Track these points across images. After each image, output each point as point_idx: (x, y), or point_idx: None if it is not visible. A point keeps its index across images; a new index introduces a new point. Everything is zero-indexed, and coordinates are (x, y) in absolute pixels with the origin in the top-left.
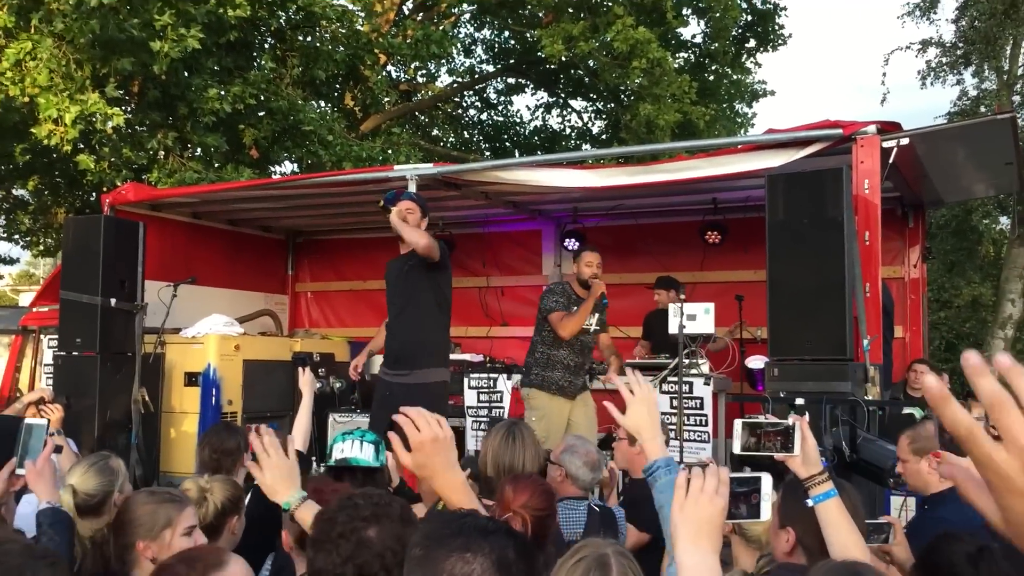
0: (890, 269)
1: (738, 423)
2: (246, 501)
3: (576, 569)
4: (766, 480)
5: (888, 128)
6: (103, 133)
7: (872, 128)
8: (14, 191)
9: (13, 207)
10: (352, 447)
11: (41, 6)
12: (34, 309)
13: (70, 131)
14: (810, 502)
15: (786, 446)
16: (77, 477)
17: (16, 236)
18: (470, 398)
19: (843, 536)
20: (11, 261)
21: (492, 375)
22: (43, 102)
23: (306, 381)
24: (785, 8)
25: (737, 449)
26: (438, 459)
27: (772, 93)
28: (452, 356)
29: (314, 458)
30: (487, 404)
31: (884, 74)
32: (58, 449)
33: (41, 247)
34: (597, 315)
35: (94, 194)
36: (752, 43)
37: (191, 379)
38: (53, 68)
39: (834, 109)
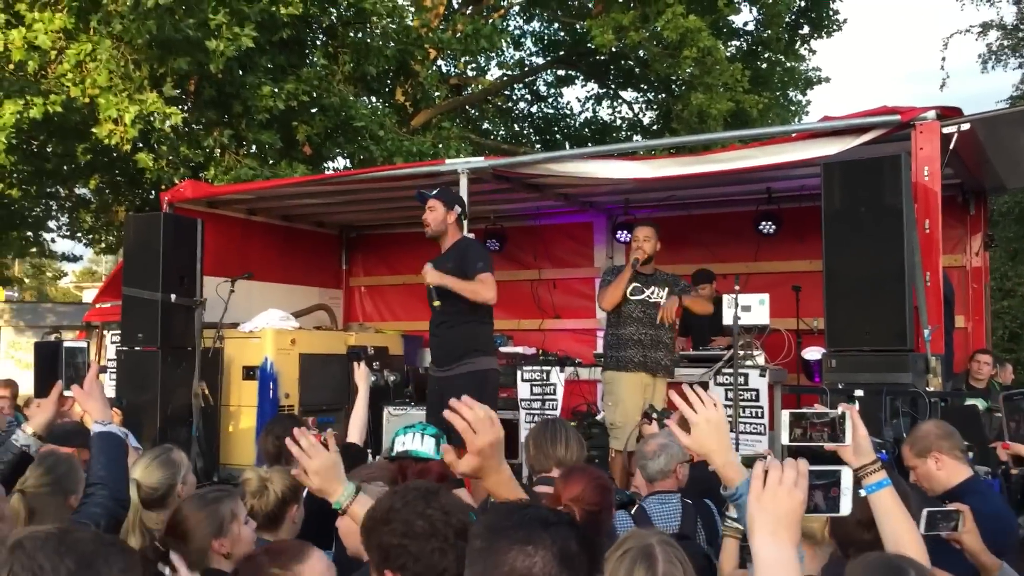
0: (951, 258)
1: (784, 414)
2: (305, 492)
3: (622, 561)
4: (846, 473)
5: (948, 113)
6: (161, 132)
7: (931, 114)
8: (76, 190)
9: (75, 206)
10: (413, 440)
11: (99, 7)
12: (97, 305)
13: (130, 131)
14: (863, 492)
15: (835, 436)
16: (140, 471)
17: (79, 234)
18: (523, 391)
19: (896, 526)
20: (74, 259)
21: (545, 367)
22: (103, 102)
23: (362, 375)
24: None
25: (785, 440)
26: (493, 460)
27: (827, 80)
28: (504, 349)
29: (370, 451)
30: (540, 397)
31: (943, 58)
32: (103, 369)
33: (103, 245)
34: (664, 289)
35: (153, 192)
36: (806, 29)
37: (249, 373)
38: (112, 69)
39: (890, 96)
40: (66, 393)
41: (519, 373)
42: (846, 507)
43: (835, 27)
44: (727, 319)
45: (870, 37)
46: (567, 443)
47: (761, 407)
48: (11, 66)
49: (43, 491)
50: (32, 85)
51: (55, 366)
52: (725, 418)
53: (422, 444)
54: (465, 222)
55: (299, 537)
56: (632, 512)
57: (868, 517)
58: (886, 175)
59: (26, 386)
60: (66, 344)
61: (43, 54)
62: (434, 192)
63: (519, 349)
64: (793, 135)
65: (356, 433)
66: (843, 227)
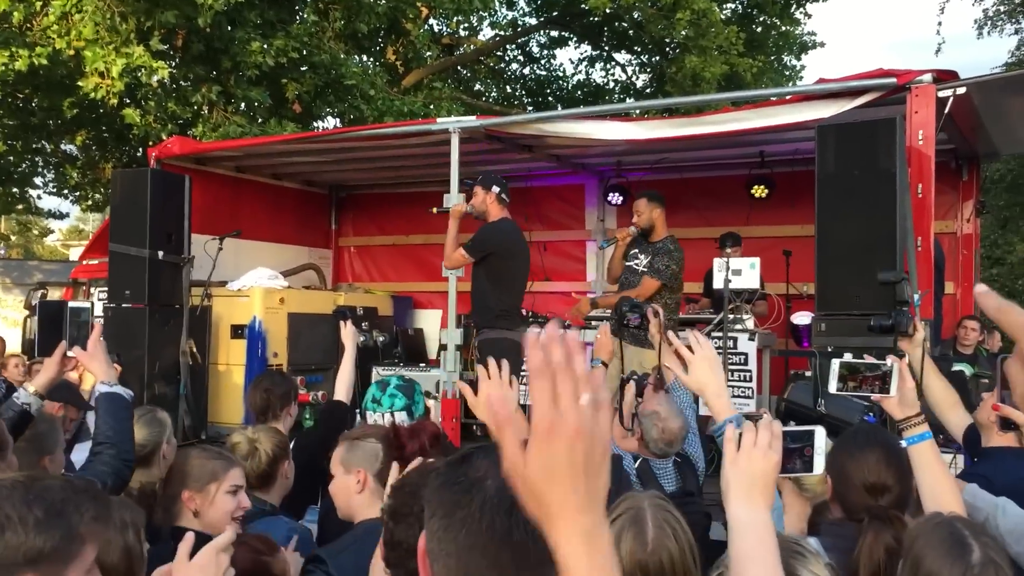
0: (942, 224)
1: (835, 363)
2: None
3: (612, 527)
4: (819, 433)
5: (944, 77)
6: (148, 87)
7: (927, 77)
8: (62, 146)
9: (61, 162)
10: (384, 420)
11: None
12: (84, 262)
13: (116, 84)
14: (904, 443)
15: (884, 388)
16: None
17: (65, 191)
18: None
19: (935, 480)
20: (61, 216)
21: (535, 329)
22: (89, 55)
23: (348, 334)
24: None
25: (833, 388)
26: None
27: (822, 45)
28: None
29: (357, 410)
30: None
31: (940, 23)
32: None
33: (89, 202)
34: (648, 257)
35: (140, 149)
36: None
37: (237, 332)
38: (98, 21)
39: (885, 62)
40: (69, 353)
41: None
42: (819, 466)
43: None
44: (717, 283)
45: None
46: None
47: (750, 371)
48: None
49: (20, 446)
50: (17, 37)
51: (58, 326)
52: (719, 358)
53: (394, 421)
54: (505, 198)
55: (287, 495)
56: (637, 466)
57: (880, 481)
58: (880, 138)
59: (12, 343)
60: (70, 304)
61: (28, 5)
62: (476, 178)
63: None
64: (787, 97)
65: (343, 391)
66: (836, 190)
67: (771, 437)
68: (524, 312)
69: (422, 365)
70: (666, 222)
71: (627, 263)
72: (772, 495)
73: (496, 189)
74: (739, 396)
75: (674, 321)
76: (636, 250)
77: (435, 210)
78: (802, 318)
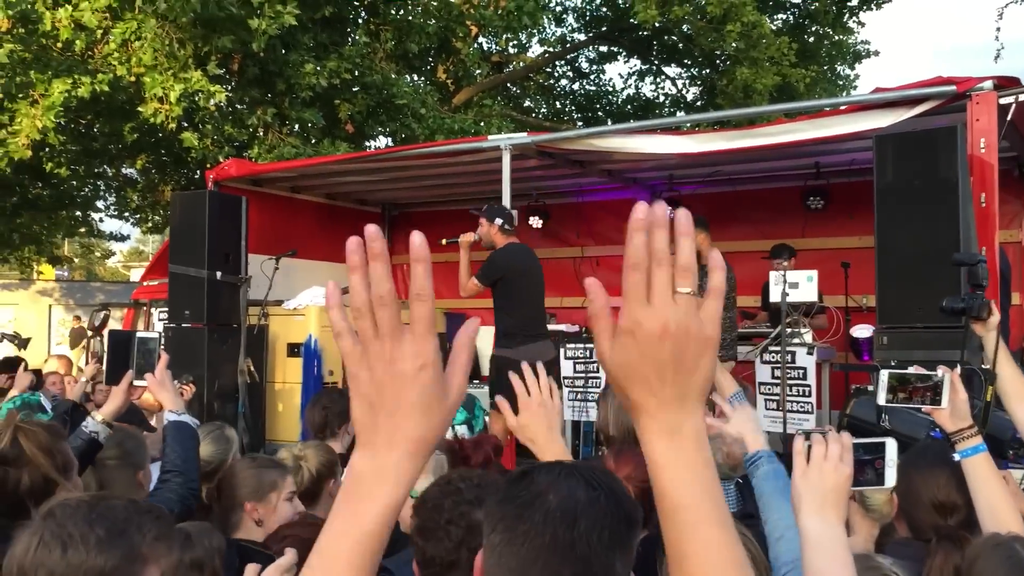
0: (1007, 233)
1: (884, 374)
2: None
3: None
4: (891, 445)
5: (1005, 84)
6: (206, 111)
7: (988, 84)
8: (123, 170)
9: (123, 185)
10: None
11: None
12: (144, 283)
13: (175, 109)
14: (957, 456)
15: (935, 399)
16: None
17: (126, 214)
18: (566, 368)
19: (991, 494)
20: (122, 238)
21: (588, 345)
22: (148, 81)
23: None
24: None
25: (881, 400)
26: (541, 423)
27: (876, 54)
28: (548, 327)
29: None
30: (583, 375)
31: (998, 28)
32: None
33: (149, 224)
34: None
35: (198, 171)
36: (855, 1)
37: (293, 350)
38: (157, 47)
39: (942, 69)
40: (136, 383)
41: (562, 351)
42: (890, 479)
43: None
44: (774, 296)
45: (921, 9)
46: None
47: (809, 385)
48: (59, 45)
49: (112, 464)
50: (79, 64)
51: (127, 355)
52: (756, 416)
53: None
54: (508, 228)
55: None
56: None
57: (949, 500)
58: (941, 147)
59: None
60: (139, 335)
61: (89, 33)
62: (482, 209)
63: (562, 327)
64: (843, 107)
65: None
66: (896, 201)
67: (842, 449)
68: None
69: (476, 381)
70: (711, 244)
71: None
72: (845, 508)
73: (499, 221)
74: (799, 411)
75: (729, 339)
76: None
77: (444, 241)
78: (862, 331)
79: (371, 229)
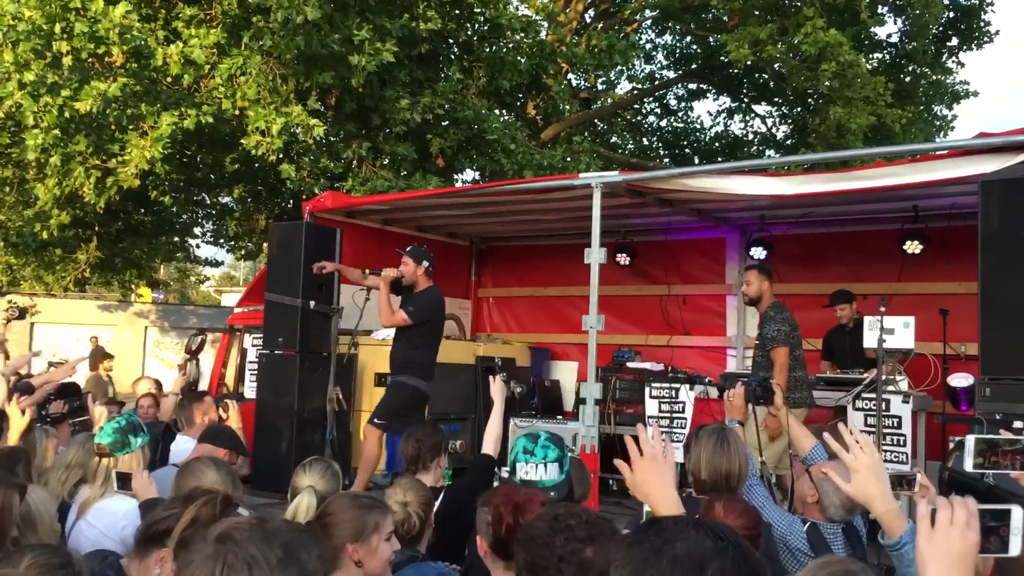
0: None
1: (970, 439)
2: (438, 502)
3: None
4: (1016, 513)
5: None
6: (304, 144)
7: None
8: (221, 199)
9: (220, 214)
10: (536, 470)
11: (251, 24)
12: (239, 309)
13: (276, 142)
14: None
15: (1022, 463)
16: (316, 479)
17: (221, 240)
18: (651, 407)
19: None
20: (216, 264)
21: (674, 385)
22: (252, 115)
23: (497, 388)
24: (992, 2)
25: (969, 467)
26: (656, 480)
27: (975, 94)
28: (632, 364)
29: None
30: (668, 414)
31: None
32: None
33: (243, 251)
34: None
35: (292, 201)
36: (954, 41)
37: (381, 380)
38: (261, 83)
39: None
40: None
41: (647, 389)
42: (1015, 548)
43: (986, 39)
44: (869, 341)
45: (1022, 49)
46: (741, 454)
47: (904, 435)
48: (168, 79)
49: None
50: (187, 98)
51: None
52: (882, 462)
53: (546, 473)
54: (431, 271)
55: (433, 551)
56: (806, 530)
57: None
58: None
59: (167, 385)
60: None
61: (197, 68)
62: (407, 250)
63: (647, 365)
64: (945, 151)
65: (491, 445)
66: (1002, 249)
67: (968, 515)
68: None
69: (559, 418)
70: (772, 293)
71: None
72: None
73: (425, 264)
74: (893, 462)
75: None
76: (769, 325)
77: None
78: (960, 380)
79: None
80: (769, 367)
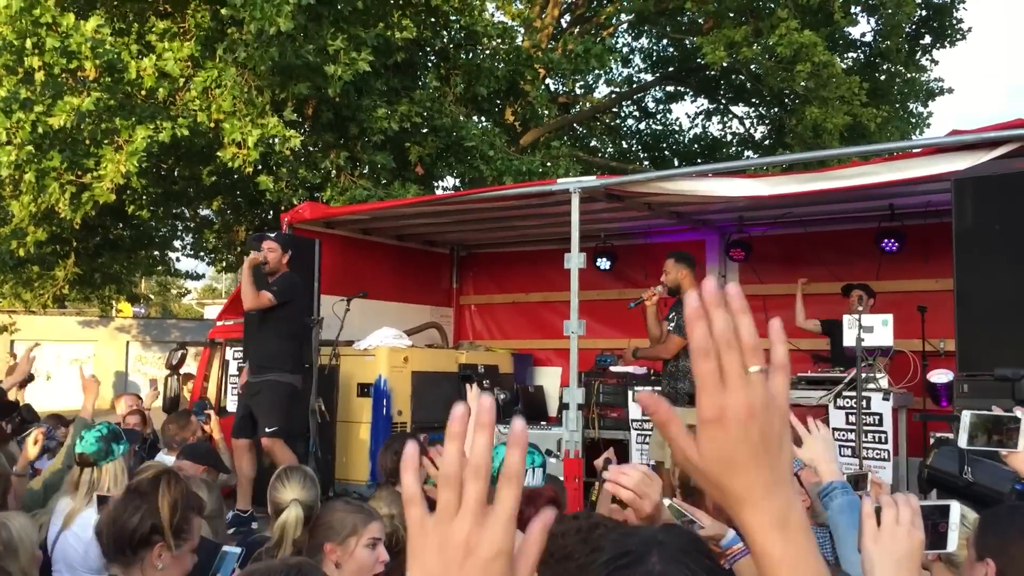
0: None
1: (966, 415)
2: None
3: None
4: (955, 509)
5: None
6: (281, 155)
7: None
8: (200, 211)
9: (199, 226)
10: (526, 476)
11: (225, 37)
12: (220, 323)
13: (252, 153)
14: None
15: (1013, 441)
16: (298, 491)
17: (202, 253)
18: (634, 411)
19: None
20: (197, 277)
21: (657, 388)
22: (228, 127)
23: (474, 396)
24: (963, 0)
25: (963, 443)
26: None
27: (950, 91)
28: (615, 368)
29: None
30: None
31: None
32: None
33: (224, 263)
34: (677, 316)
35: (271, 212)
36: (927, 39)
37: (363, 390)
38: (236, 95)
39: (1017, 106)
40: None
41: (630, 393)
42: (952, 544)
43: (959, 36)
44: (848, 340)
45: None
46: None
47: (885, 432)
48: (142, 93)
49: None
50: (162, 111)
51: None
52: (835, 444)
53: (532, 479)
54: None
55: None
56: None
57: None
58: (1022, 191)
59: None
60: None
61: (172, 81)
62: (273, 236)
63: (630, 369)
64: (919, 150)
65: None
66: (976, 246)
67: (912, 513)
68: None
69: (543, 423)
70: (694, 282)
71: (667, 323)
72: (920, 574)
73: (290, 252)
74: (875, 459)
75: (804, 382)
76: (672, 313)
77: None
78: (940, 376)
79: (486, 402)
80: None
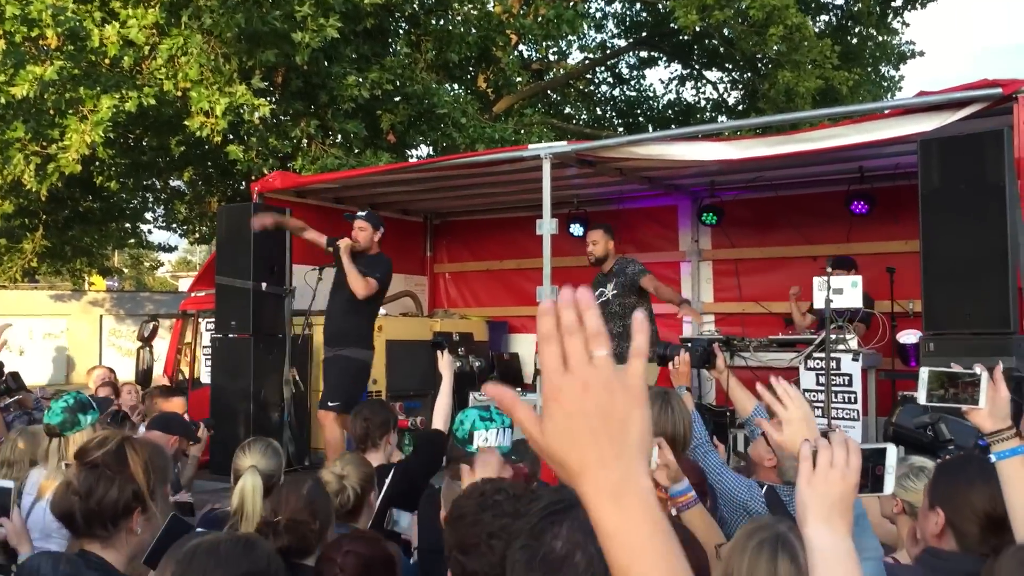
0: None
1: (924, 371)
2: (388, 480)
3: (760, 552)
4: (891, 451)
5: None
6: (250, 124)
7: None
8: (171, 182)
9: (171, 197)
10: (497, 436)
11: (190, 3)
12: (192, 294)
13: (220, 122)
14: (993, 458)
15: (974, 398)
16: (257, 458)
17: (174, 225)
18: None
19: None
20: (170, 249)
21: None
22: (195, 95)
23: (445, 363)
24: None
25: (922, 399)
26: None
27: (921, 54)
28: None
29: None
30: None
31: None
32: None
33: (197, 235)
34: (612, 282)
35: (244, 183)
36: (899, 1)
37: None
38: (203, 63)
39: (987, 69)
40: None
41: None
42: (889, 486)
43: None
44: (818, 302)
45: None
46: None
47: (854, 392)
48: (107, 61)
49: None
50: (127, 80)
51: None
52: (812, 412)
53: (505, 438)
54: (382, 237)
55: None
56: (764, 493)
57: (1001, 513)
58: (987, 151)
59: (125, 373)
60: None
61: (137, 49)
62: (363, 214)
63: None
64: (886, 111)
65: (440, 420)
66: (941, 206)
67: (848, 454)
68: None
69: (518, 390)
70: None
71: (601, 299)
72: (851, 518)
73: (382, 230)
74: (844, 419)
75: (776, 344)
76: (599, 285)
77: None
78: (908, 337)
79: (583, 294)
80: (627, 315)
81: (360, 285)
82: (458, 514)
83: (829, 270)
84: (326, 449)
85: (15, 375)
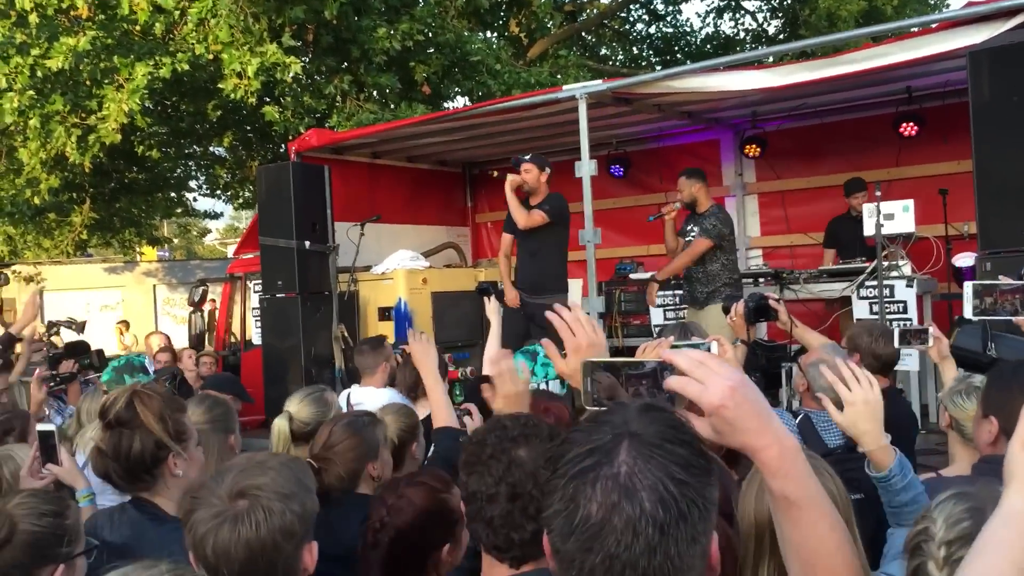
0: None
1: (968, 285)
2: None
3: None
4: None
5: None
6: (284, 83)
7: None
8: (212, 149)
9: (212, 164)
10: (540, 387)
11: None
12: (238, 257)
13: (253, 83)
14: None
15: (1022, 306)
16: (295, 405)
17: (217, 191)
18: (656, 316)
19: None
20: (215, 216)
21: (678, 292)
22: (226, 57)
23: (492, 309)
24: None
25: (968, 312)
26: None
27: None
28: (635, 276)
29: None
30: (675, 321)
31: None
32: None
33: (240, 200)
34: (697, 227)
35: (283, 144)
36: None
37: (384, 314)
38: (232, 23)
39: None
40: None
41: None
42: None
43: None
44: (868, 229)
45: None
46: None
47: (910, 319)
48: (138, 29)
49: (205, 428)
50: (160, 46)
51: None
52: (881, 400)
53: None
54: (550, 178)
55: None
56: (798, 422)
57: None
58: None
59: (180, 339)
60: (39, 427)
61: (167, 15)
62: (528, 157)
63: (650, 275)
64: (933, 26)
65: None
66: (994, 120)
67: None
68: None
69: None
70: (709, 195)
71: (686, 239)
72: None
73: (548, 171)
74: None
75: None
76: (690, 225)
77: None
78: (964, 260)
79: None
80: (706, 261)
81: (521, 217)
82: (470, 437)
83: (878, 194)
84: None
85: (100, 352)
